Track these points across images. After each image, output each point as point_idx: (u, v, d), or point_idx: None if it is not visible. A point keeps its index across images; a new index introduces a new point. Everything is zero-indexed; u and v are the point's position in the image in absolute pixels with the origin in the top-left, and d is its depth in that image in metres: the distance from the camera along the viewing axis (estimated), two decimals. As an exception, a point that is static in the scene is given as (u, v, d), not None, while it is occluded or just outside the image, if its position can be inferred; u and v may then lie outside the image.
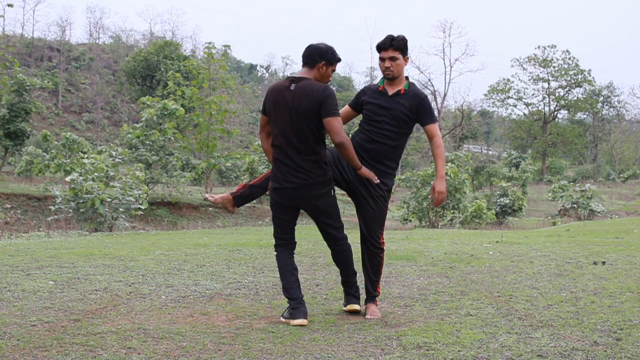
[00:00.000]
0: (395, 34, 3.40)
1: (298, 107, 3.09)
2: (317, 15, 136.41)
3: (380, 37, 3.47)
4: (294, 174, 3.15)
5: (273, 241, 3.38)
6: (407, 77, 3.49)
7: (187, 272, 4.55)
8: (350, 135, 3.42)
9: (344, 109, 3.60)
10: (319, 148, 3.18)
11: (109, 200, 9.82)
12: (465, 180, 16.23)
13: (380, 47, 3.41)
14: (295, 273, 3.28)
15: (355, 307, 3.39)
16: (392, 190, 3.56)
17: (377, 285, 3.48)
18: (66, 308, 3.27)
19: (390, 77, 3.41)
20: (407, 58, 3.46)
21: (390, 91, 3.43)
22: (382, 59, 3.43)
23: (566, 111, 53.09)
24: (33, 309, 3.21)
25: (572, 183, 21.59)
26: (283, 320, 3.17)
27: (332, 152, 3.41)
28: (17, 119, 20.75)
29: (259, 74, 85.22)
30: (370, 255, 3.44)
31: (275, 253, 3.38)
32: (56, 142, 24.55)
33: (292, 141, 3.12)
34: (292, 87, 3.14)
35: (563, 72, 49.24)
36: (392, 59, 3.38)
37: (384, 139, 3.37)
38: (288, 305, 3.22)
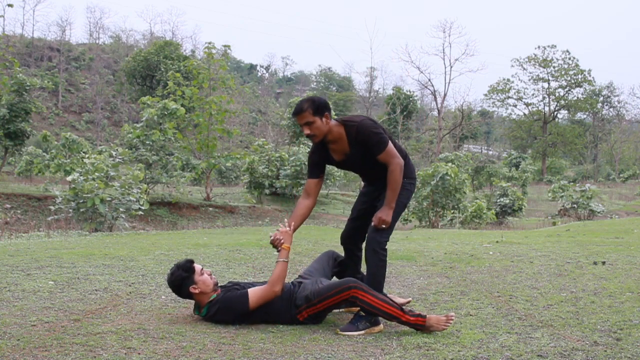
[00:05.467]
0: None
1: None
2: (317, 15, 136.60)
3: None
4: None
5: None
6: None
7: (187, 272, 4.54)
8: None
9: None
10: None
11: (109, 200, 9.82)
12: (465, 180, 16.21)
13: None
14: None
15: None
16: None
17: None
18: (66, 308, 3.26)
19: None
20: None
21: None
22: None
23: (566, 111, 53.13)
24: (33, 309, 3.21)
25: (572, 183, 21.54)
26: (360, 333, 3.02)
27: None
28: (17, 119, 20.73)
29: (259, 74, 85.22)
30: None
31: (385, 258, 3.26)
32: (56, 142, 24.56)
33: None
34: None
35: (563, 72, 49.27)
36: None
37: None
38: (368, 316, 3.09)
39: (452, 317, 2.95)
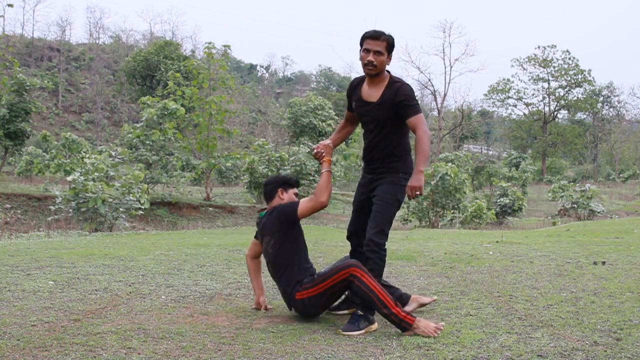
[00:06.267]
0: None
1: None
2: (317, 15, 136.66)
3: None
4: None
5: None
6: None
7: (187, 272, 4.55)
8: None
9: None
10: None
11: (109, 200, 9.82)
12: (465, 180, 16.21)
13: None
14: None
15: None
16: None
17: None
18: (66, 308, 3.27)
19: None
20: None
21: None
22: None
23: (566, 111, 53.15)
24: (33, 309, 3.21)
25: (572, 183, 21.53)
26: (361, 332, 2.99)
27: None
28: (17, 119, 20.75)
29: (259, 74, 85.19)
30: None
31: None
32: (56, 142, 24.57)
33: None
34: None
35: (563, 72, 49.28)
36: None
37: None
38: (366, 314, 3.07)
39: (442, 327, 2.93)
